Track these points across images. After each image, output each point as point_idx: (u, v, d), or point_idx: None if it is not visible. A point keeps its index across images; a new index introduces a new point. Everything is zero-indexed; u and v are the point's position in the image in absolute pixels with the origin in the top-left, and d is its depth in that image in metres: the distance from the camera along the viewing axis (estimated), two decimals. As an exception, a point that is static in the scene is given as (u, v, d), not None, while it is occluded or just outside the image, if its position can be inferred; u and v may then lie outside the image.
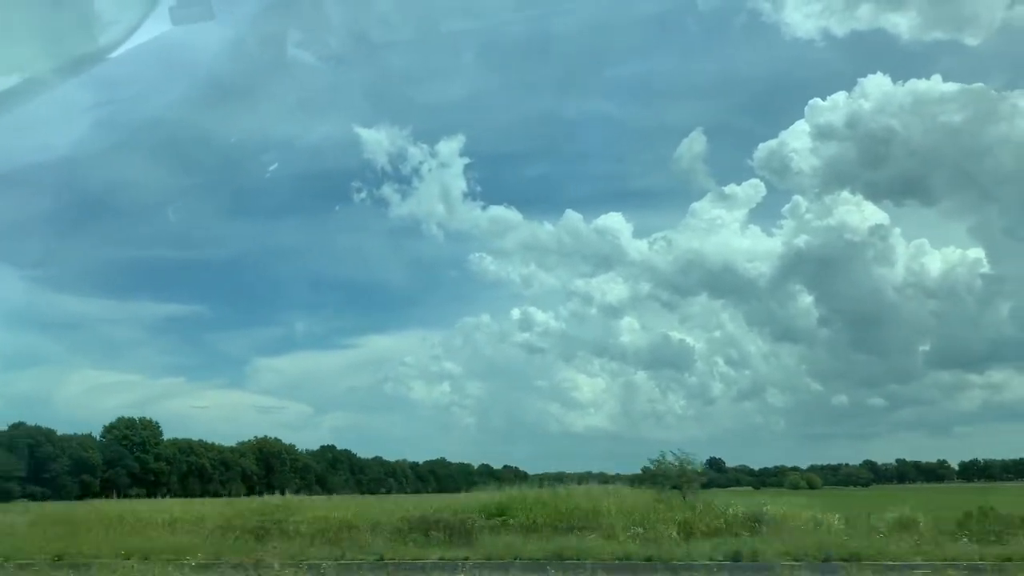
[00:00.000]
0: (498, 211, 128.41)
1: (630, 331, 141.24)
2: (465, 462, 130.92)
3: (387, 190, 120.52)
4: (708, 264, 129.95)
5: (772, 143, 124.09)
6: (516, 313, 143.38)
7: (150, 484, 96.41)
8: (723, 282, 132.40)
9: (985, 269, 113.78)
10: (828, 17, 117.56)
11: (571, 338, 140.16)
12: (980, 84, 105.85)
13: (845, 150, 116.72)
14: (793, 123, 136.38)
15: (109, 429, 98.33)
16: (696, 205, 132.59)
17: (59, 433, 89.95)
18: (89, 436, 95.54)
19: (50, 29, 4.65)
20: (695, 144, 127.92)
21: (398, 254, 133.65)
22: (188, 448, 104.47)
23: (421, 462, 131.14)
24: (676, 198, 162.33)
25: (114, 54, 5.04)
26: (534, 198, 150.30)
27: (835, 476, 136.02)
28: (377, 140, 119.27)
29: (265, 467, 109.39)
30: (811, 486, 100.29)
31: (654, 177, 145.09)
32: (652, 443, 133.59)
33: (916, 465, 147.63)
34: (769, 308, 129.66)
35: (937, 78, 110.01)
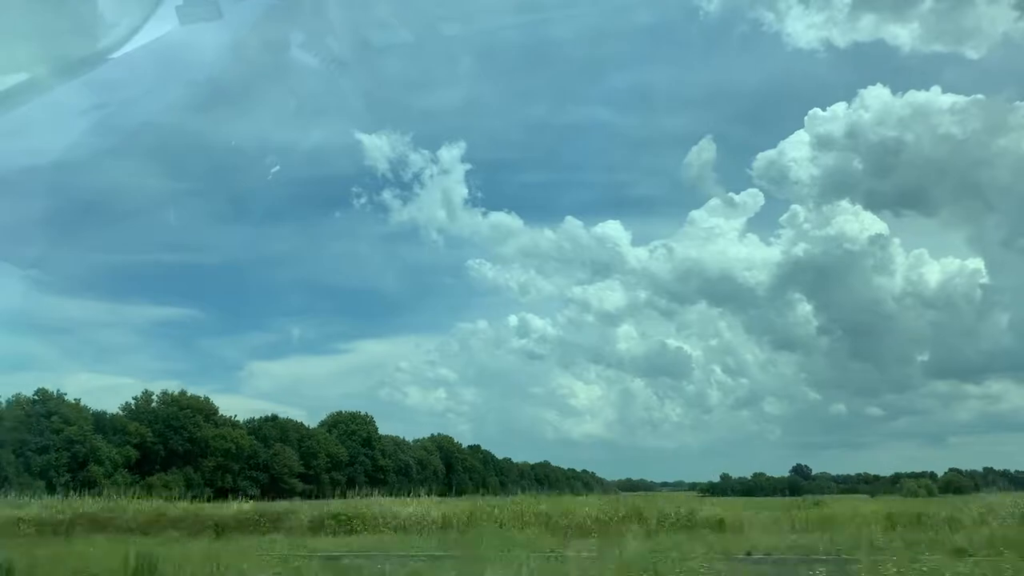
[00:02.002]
0: (499, 217, 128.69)
1: (627, 339, 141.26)
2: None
3: (387, 196, 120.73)
4: (706, 272, 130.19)
5: (771, 153, 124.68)
6: (513, 320, 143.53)
7: (379, 482, 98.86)
8: (721, 290, 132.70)
9: (984, 280, 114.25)
10: (830, 28, 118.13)
11: (568, 345, 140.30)
12: (980, 96, 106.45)
13: (844, 160, 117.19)
14: (793, 133, 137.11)
15: (332, 424, 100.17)
16: (695, 214, 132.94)
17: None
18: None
19: (50, 30, 4.53)
20: (704, 152, 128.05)
21: (396, 260, 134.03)
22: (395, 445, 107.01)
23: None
24: (674, 206, 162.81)
25: (115, 55, 4.91)
26: (535, 205, 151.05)
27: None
28: (378, 146, 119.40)
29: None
30: (930, 493, 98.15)
31: (653, 185, 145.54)
32: (648, 451, 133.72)
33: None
34: (767, 317, 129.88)
35: (936, 90, 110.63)
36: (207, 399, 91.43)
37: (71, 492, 48.28)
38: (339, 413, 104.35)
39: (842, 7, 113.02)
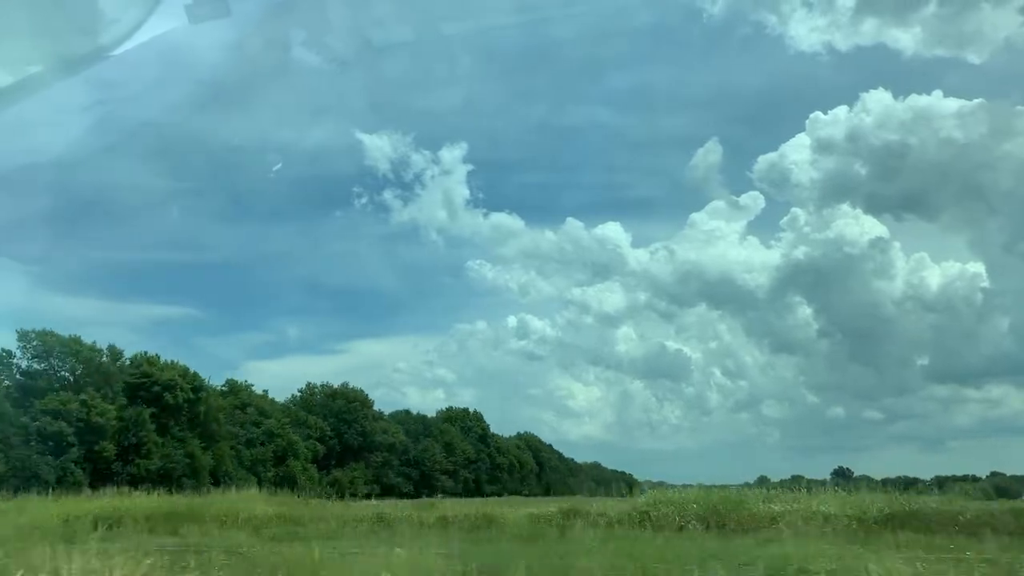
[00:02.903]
0: (500, 218, 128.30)
1: (627, 340, 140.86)
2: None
3: (388, 196, 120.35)
4: (706, 275, 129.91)
5: (772, 155, 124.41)
6: (512, 320, 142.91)
7: (495, 480, 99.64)
8: (721, 293, 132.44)
9: (985, 283, 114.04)
10: (833, 32, 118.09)
11: (567, 346, 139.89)
12: (982, 100, 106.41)
13: (845, 164, 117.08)
14: (794, 136, 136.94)
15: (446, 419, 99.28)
16: (695, 216, 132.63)
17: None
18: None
19: (50, 26, 4.48)
20: (711, 154, 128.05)
21: (396, 260, 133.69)
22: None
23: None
24: (675, 209, 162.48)
25: (115, 53, 4.86)
26: (536, 205, 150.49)
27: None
28: (379, 146, 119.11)
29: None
30: (987, 497, 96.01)
31: (653, 187, 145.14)
32: (646, 453, 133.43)
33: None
34: (767, 319, 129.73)
35: (938, 93, 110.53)
36: (364, 392, 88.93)
37: (275, 488, 47.32)
38: (451, 409, 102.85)
39: (845, 11, 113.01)
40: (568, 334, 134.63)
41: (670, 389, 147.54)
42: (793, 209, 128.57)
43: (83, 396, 57.41)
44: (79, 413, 56.30)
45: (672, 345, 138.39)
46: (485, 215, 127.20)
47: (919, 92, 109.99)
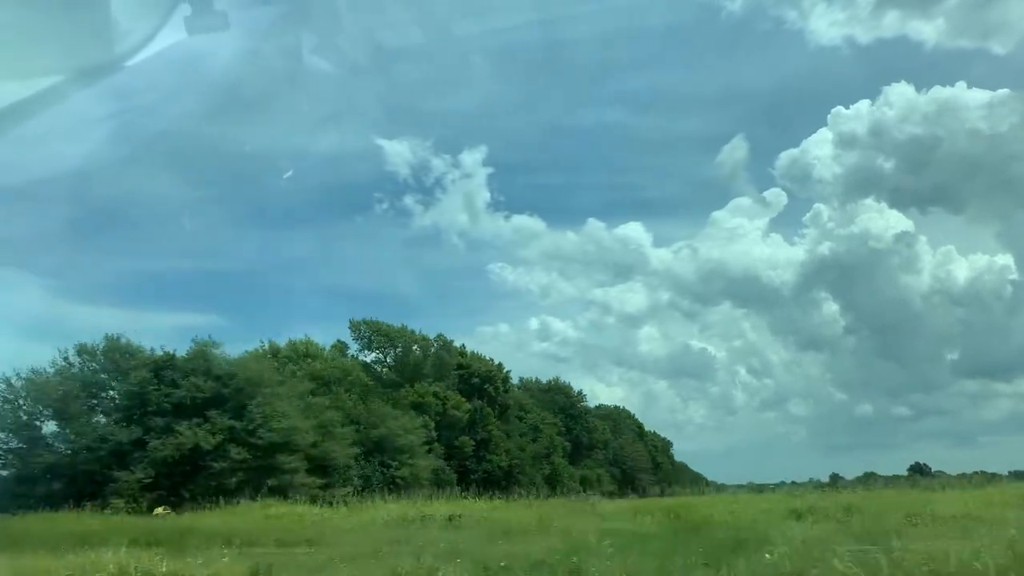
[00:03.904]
0: (521, 220, 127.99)
1: (650, 340, 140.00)
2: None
3: (409, 201, 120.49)
4: (730, 272, 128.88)
5: (794, 151, 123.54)
6: (534, 323, 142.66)
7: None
8: (745, 291, 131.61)
9: (1014, 275, 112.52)
10: (853, 25, 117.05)
11: (590, 347, 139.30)
12: (1008, 91, 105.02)
13: (868, 158, 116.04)
14: (816, 131, 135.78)
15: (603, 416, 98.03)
16: (717, 214, 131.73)
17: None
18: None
19: (65, 37, 4.56)
20: (737, 150, 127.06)
21: (417, 265, 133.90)
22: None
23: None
24: (696, 207, 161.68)
25: (129, 63, 4.95)
26: (557, 207, 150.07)
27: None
28: (399, 151, 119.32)
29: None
30: None
31: (674, 186, 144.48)
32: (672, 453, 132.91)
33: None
34: (792, 317, 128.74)
35: (962, 85, 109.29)
36: (571, 386, 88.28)
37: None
38: (600, 406, 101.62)
39: (866, 4, 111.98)
40: (591, 335, 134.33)
41: (695, 389, 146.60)
42: (816, 205, 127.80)
43: (435, 388, 54.86)
44: (436, 407, 53.59)
45: (696, 344, 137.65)
46: (506, 217, 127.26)
47: (942, 84, 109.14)
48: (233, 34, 5.99)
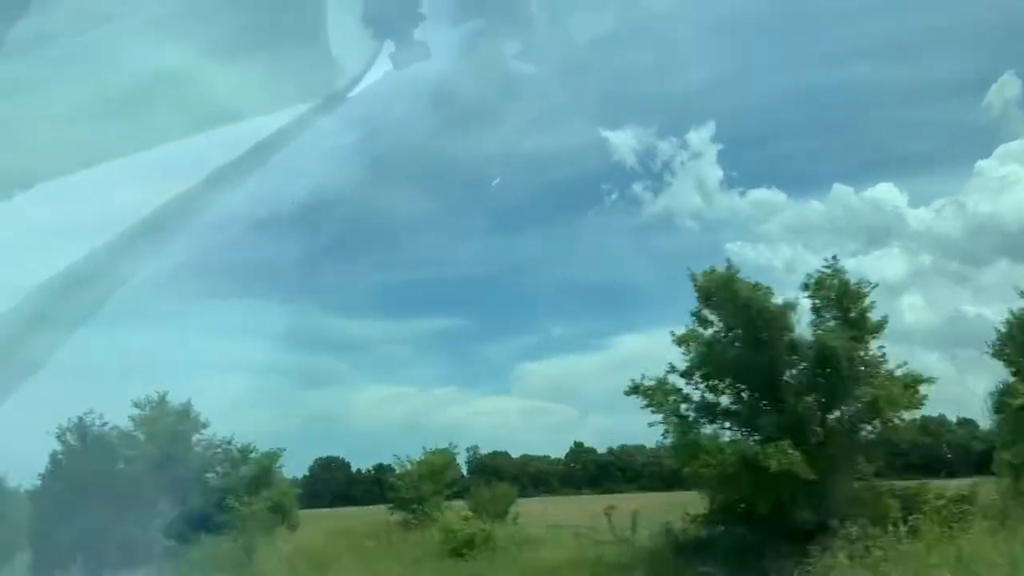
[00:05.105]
0: (759, 194, 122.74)
1: (914, 309, 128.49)
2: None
3: (638, 189, 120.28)
4: (1005, 226, 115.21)
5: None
6: (780, 301, 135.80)
7: None
8: None
9: None
10: None
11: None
12: None
13: None
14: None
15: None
16: (983, 164, 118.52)
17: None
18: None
19: (297, 73, 5.57)
20: (1006, 88, 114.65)
21: (651, 252, 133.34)
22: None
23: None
24: (955, 160, 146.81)
25: (360, 88, 5.94)
26: (797, 176, 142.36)
27: None
28: (624, 140, 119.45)
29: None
30: None
31: (928, 140, 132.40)
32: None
33: None
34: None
35: None
36: None
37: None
38: None
39: None
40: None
41: (973, 360, 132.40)
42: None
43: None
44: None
45: (970, 310, 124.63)
46: (742, 194, 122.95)
47: None
48: (439, 56, 6.90)
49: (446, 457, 36.78)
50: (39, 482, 30.67)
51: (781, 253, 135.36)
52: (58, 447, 30.24)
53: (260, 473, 33.85)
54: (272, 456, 35.32)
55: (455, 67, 9.96)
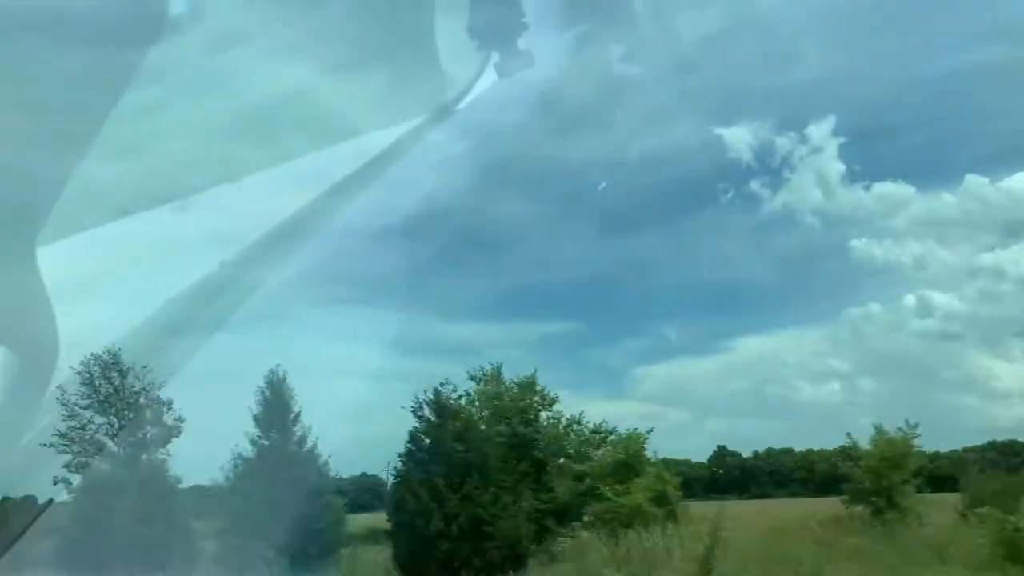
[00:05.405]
0: (884, 188, 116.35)
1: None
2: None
3: (755, 186, 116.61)
4: None
5: None
6: (910, 299, 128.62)
7: None
8: None
9: None
10: None
11: (982, 320, 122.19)
12: None
13: None
14: None
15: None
16: None
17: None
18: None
19: (413, 84, 5.72)
20: None
21: (770, 250, 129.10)
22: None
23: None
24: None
25: (463, 103, 6.07)
26: (925, 167, 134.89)
27: None
28: (739, 136, 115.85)
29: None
30: None
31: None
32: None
33: None
34: None
35: None
36: None
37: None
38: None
39: None
40: (982, 306, 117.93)
41: None
42: None
43: None
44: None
45: None
46: (866, 187, 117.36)
47: None
48: (545, 63, 6.94)
49: (906, 443, 30.15)
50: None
51: (910, 249, 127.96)
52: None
53: (628, 458, 28.18)
54: (636, 439, 29.54)
55: (561, 73, 9.97)
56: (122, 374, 22.71)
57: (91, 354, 20.88)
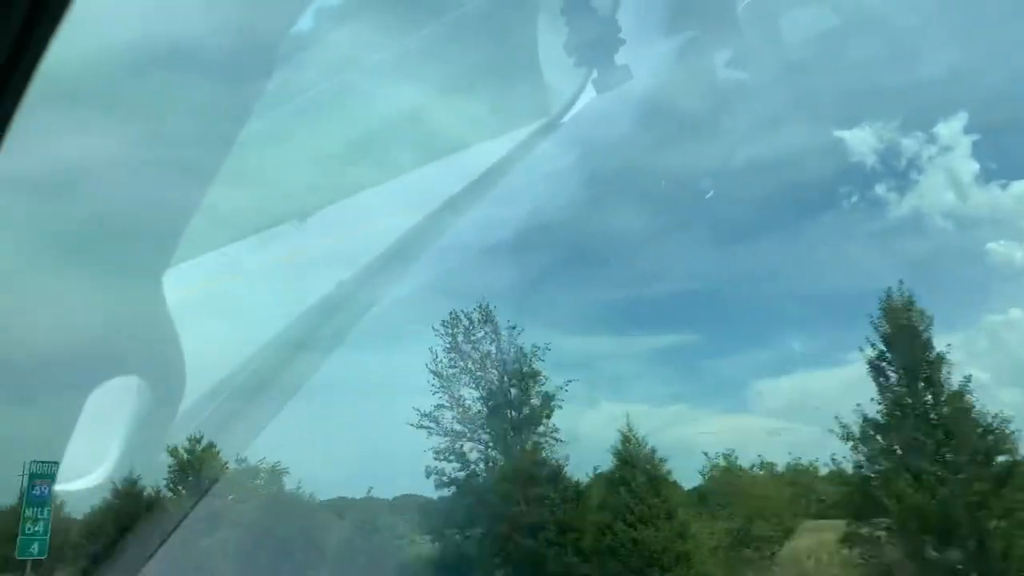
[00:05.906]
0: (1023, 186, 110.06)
1: None
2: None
3: (880, 190, 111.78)
4: None
5: None
6: None
7: None
8: None
9: None
10: None
11: None
12: None
13: None
14: None
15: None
16: None
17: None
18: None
19: (519, 100, 5.75)
20: None
21: (899, 256, 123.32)
22: None
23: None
24: None
25: (567, 116, 6.07)
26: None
27: None
28: (862, 139, 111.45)
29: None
30: None
31: None
32: None
33: None
34: None
35: None
36: None
37: None
38: None
39: None
40: None
41: None
42: None
43: None
44: None
45: None
46: (1003, 186, 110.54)
47: None
48: (649, 73, 6.85)
49: None
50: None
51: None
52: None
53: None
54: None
55: (665, 82, 9.87)
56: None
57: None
